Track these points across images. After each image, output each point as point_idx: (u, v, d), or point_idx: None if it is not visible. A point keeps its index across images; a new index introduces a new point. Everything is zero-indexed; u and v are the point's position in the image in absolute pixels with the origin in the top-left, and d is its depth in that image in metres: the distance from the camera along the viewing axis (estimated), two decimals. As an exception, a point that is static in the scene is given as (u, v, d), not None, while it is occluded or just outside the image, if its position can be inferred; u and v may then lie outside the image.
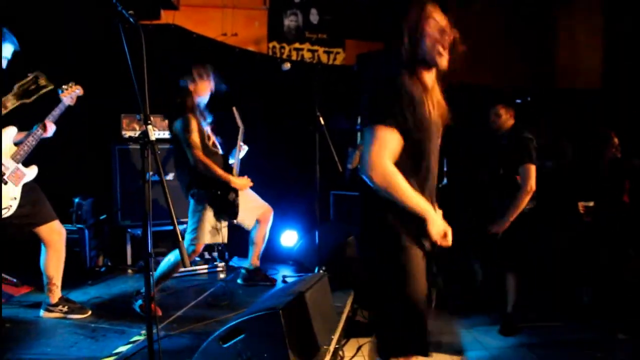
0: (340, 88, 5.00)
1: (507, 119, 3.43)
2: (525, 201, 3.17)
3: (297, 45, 5.80)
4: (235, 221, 3.47)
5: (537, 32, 5.99)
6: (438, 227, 1.72)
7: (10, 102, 1.77)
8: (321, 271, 3.64)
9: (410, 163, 1.75)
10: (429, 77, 1.88)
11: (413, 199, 1.69)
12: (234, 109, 3.50)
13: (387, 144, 1.68)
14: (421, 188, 1.77)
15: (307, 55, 5.81)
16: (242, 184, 3.39)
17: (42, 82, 1.84)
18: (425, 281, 1.80)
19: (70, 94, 2.95)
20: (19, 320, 3.10)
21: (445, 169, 5.25)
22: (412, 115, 1.71)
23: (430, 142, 1.80)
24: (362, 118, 2.00)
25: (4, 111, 1.75)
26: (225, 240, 3.42)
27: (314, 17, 5.88)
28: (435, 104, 1.87)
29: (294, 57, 5.75)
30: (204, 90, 3.35)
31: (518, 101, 5.02)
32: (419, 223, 1.70)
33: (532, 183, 3.16)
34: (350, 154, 4.37)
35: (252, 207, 3.59)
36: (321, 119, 3.62)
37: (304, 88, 3.98)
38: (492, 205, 3.35)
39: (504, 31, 6.00)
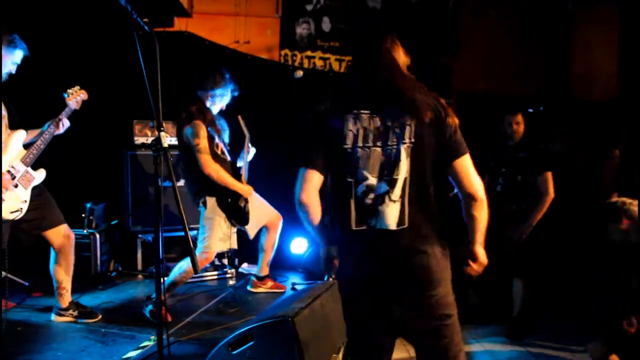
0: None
1: (521, 127, 3.46)
2: (545, 208, 3.25)
3: (309, 53, 5.82)
4: (244, 227, 3.47)
5: (552, 41, 5.95)
6: None
7: None
8: (331, 279, 3.63)
9: None
10: None
11: None
12: (240, 117, 3.51)
13: None
14: None
15: (319, 63, 5.82)
16: (247, 190, 3.39)
17: None
18: None
19: (75, 98, 2.98)
20: (30, 323, 3.13)
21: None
22: None
23: None
24: None
25: None
26: (235, 246, 3.42)
27: (326, 25, 5.90)
28: None
29: (305, 65, 5.76)
30: (219, 100, 3.37)
31: (530, 110, 4.99)
32: None
33: (552, 190, 3.25)
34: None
35: (260, 215, 3.59)
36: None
37: (316, 96, 3.99)
38: (508, 213, 3.36)
39: (519, 40, 5.97)
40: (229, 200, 3.29)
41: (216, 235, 3.25)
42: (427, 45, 5.97)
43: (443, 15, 6.12)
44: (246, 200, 3.37)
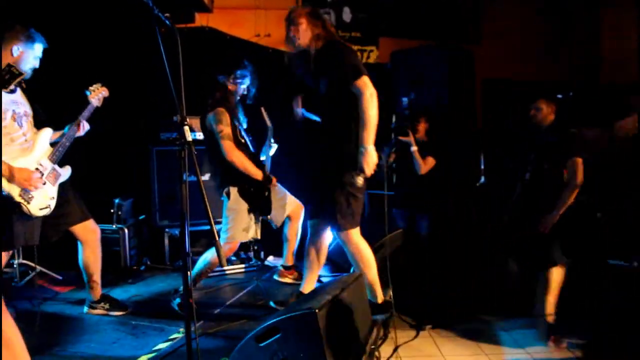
0: (374, 86, 4.94)
1: (548, 113, 3.37)
2: (573, 195, 3.13)
3: (330, 44, 5.78)
4: (268, 217, 3.49)
5: (579, 25, 5.77)
6: None
7: None
8: (357, 271, 3.62)
9: None
10: None
11: None
12: (262, 109, 3.52)
13: None
14: None
15: (340, 54, 5.78)
16: (269, 179, 3.41)
17: (15, 70, 1.90)
18: None
19: (97, 95, 3.03)
20: (65, 316, 3.22)
21: (482, 166, 5.13)
22: None
23: None
24: None
25: None
26: (259, 236, 3.44)
27: (346, 15, 5.85)
28: None
29: (327, 56, 5.72)
30: (240, 82, 3.39)
31: (559, 96, 4.86)
32: None
33: (581, 176, 3.12)
34: (385, 153, 4.32)
35: (283, 204, 3.61)
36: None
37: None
38: (535, 202, 3.28)
39: (545, 25, 5.82)
40: (252, 189, 3.30)
41: (239, 225, 3.27)
42: (450, 32, 5.87)
43: (466, 2, 5.99)
44: (269, 190, 3.38)
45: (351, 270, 3.72)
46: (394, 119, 5.20)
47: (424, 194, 4.21)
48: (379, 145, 4.48)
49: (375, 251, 3.85)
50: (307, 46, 2.81)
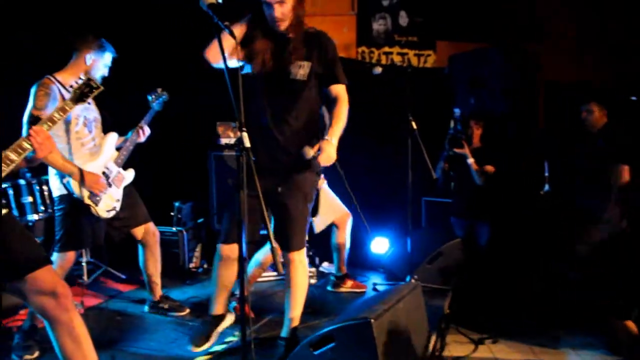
0: (432, 91, 4.85)
1: (600, 117, 3.24)
2: (618, 202, 3.04)
3: (386, 49, 5.72)
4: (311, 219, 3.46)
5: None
6: None
7: (69, 106, 1.92)
8: (413, 280, 3.53)
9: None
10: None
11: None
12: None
13: None
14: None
15: (397, 59, 5.69)
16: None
17: (93, 84, 1.98)
18: None
19: (158, 100, 3.14)
20: (127, 314, 3.34)
21: (546, 173, 4.88)
22: None
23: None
24: None
25: (63, 115, 1.90)
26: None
27: (403, 20, 5.76)
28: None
29: (383, 61, 5.67)
30: None
31: (633, 98, 4.55)
32: None
33: (625, 183, 3.03)
34: (442, 159, 4.21)
35: (329, 210, 3.56)
36: (413, 123, 3.52)
37: (395, 92, 3.90)
38: (583, 207, 3.12)
39: (610, 26, 5.47)
40: None
41: None
42: (511, 34, 5.64)
43: (527, 2, 5.75)
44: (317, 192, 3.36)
45: (407, 279, 3.65)
46: (451, 124, 5.06)
47: (483, 202, 4.06)
48: (436, 152, 4.39)
49: (432, 260, 3.76)
50: (285, 29, 2.37)
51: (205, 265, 4.45)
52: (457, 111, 4.18)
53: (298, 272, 2.54)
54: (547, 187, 4.62)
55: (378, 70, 3.62)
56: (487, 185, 4.02)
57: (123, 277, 4.05)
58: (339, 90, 2.52)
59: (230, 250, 2.45)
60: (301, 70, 2.41)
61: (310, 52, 2.43)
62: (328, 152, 2.34)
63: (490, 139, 4.19)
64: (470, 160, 3.98)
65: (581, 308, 3.31)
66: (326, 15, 5.67)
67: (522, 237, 4.14)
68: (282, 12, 2.30)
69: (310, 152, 2.33)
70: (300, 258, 2.55)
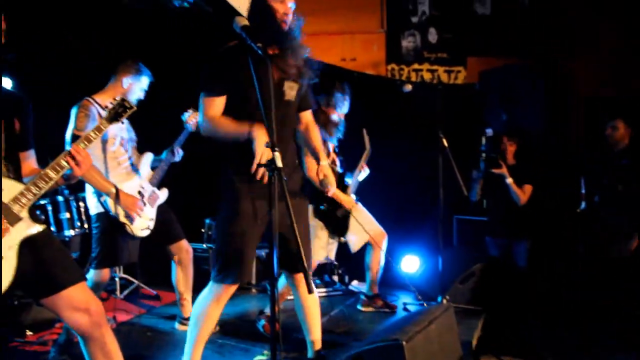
0: (463, 107, 4.80)
1: (624, 134, 3.19)
2: None
3: (416, 66, 5.71)
4: (342, 239, 3.44)
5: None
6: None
7: (104, 125, 1.98)
8: (445, 300, 3.46)
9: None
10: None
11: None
12: (364, 131, 3.51)
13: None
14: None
15: (427, 76, 5.68)
16: (347, 200, 3.37)
17: (127, 104, 2.03)
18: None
19: (192, 120, 3.20)
20: (158, 330, 3.37)
21: (583, 190, 4.73)
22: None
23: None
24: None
25: (99, 134, 1.95)
26: (333, 257, 3.41)
27: (432, 36, 5.76)
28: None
29: (413, 78, 5.66)
30: (334, 112, 3.42)
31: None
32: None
33: None
34: (475, 178, 4.12)
35: (365, 229, 3.53)
36: (444, 140, 3.48)
37: (425, 109, 3.88)
38: (607, 226, 3.02)
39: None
40: (327, 208, 3.29)
41: (317, 244, 3.26)
42: (544, 49, 5.55)
43: (560, 17, 5.65)
44: (345, 211, 3.34)
45: (438, 300, 3.57)
46: (483, 141, 4.98)
47: (521, 221, 3.93)
48: (468, 169, 4.32)
49: (464, 280, 3.67)
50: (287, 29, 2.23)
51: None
52: (489, 131, 4.10)
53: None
54: (583, 205, 4.47)
55: (408, 87, 3.61)
56: (527, 203, 3.91)
57: (154, 293, 4.10)
58: (309, 115, 2.52)
59: (231, 290, 2.33)
60: (292, 91, 2.35)
61: (299, 73, 2.35)
62: (331, 176, 2.40)
63: (525, 156, 4.09)
64: (509, 180, 3.88)
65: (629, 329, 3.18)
66: (355, 34, 5.72)
67: (562, 256, 4.01)
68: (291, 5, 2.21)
69: (323, 180, 2.39)
70: None
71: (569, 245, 3.86)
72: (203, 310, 2.33)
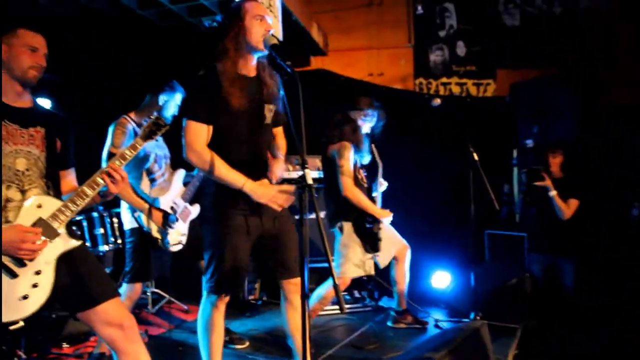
0: (493, 120, 4.73)
1: None
2: None
3: (444, 79, 5.68)
4: (377, 254, 3.41)
5: None
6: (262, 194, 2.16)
7: (139, 143, 2.03)
8: (477, 317, 3.38)
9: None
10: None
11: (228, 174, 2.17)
12: (373, 146, 3.51)
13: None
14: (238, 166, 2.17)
15: (455, 89, 5.63)
16: (386, 214, 3.36)
17: (161, 122, 2.08)
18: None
19: None
20: (189, 344, 3.39)
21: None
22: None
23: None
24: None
25: (134, 152, 2.00)
26: (372, 272, 3.37)
27: (460, 49, 5.73)
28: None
29: (441, 92, 5.62)
30: (369, 120, 3.42)
31: None
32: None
33: None
34: (506, 191, 4.04)
35: (390, 244, 3.50)
36: (474, 153, 3.43)
37: (454, 122, 3.84)
38: None
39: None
40: (366, 225, 3.27)
41: (352, 261, 3.25)
42: (577, 59, 5.44)
43: (595, 25, 5.53)
44: (380, 227, 3.33)
45: (471, 316, 3.49)
46: (514, 154, 4.89)
47: (568, 237, 3.77)
48: (500, 183, 4.23)
49: (497, 296, 3.58)
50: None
51: (264, 298, 4.48)
52: (529, 142, 3.99)
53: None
54: (635, 211, 4.26)
55: (437, 102, 3.59)
56: (572, 218, 3.76)
57: (185, 307, 4.15)
58: (281, 131, 2.50)
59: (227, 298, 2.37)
60: (270, 113, 2.33)
61: (275, 94, 2.31)
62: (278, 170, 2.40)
63: (573, 169, 3.94)
64: (553, 193, 3.76)
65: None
66: (382, 49, 5.74)
67: (614, 275, 3.83)
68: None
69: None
70: None
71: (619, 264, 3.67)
72: (207, 320, 2.37)
